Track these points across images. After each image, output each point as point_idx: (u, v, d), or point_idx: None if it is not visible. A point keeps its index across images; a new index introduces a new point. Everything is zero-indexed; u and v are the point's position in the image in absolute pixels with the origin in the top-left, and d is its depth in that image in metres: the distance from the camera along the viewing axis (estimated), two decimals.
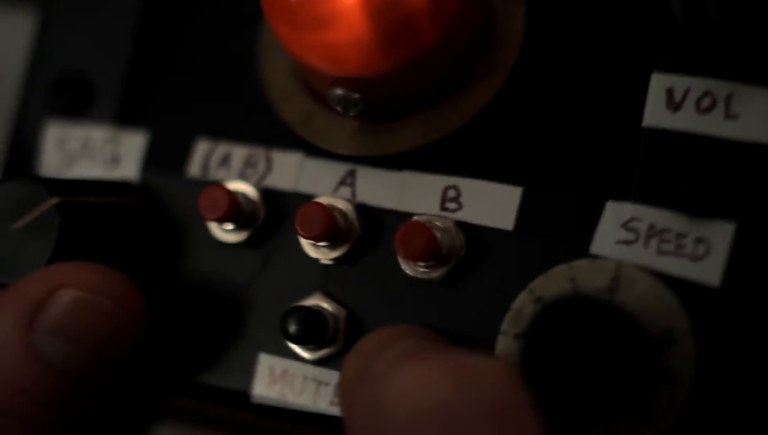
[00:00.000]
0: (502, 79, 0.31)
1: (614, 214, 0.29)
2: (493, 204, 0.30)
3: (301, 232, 0.30)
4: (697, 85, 0.29)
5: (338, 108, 0.30)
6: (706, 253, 0.28)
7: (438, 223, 0.30)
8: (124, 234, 0.32)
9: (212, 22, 0.35)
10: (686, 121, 0.29)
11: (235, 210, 0.31)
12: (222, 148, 0.33)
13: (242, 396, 0.31)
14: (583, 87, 0.30)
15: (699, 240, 0.28)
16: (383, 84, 0.30)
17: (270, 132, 0.33)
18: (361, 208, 0.31)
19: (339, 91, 0.30)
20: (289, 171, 0.32)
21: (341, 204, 0.31)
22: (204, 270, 0.32)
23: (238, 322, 0.32)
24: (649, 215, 0.29)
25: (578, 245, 0.29)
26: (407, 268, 0.30)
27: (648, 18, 0.30)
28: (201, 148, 0.33)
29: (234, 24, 0.34)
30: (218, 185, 0.31)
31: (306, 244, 0.31)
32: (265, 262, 0.32)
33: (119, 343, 0.30)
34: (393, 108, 0.31)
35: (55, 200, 0.30)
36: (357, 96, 0.30)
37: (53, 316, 0.29)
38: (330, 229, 0.30)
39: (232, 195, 0.31)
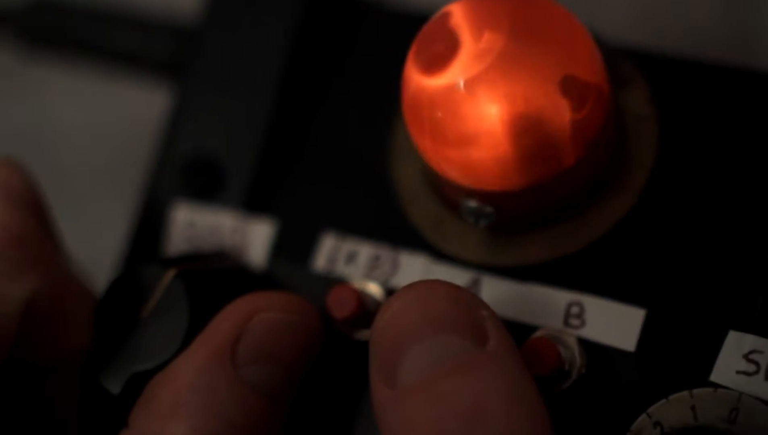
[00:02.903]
0: (633, 200, 0.33)
1: (736, 344, 0.31)
2: (616, 324, 0.32)
3: None
4: None
5: (469, 219, 0.32)
6: None
7: (562, 339, 0.32)
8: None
9: (346, 114, 0.37)
10: None
11: (362, 311, 0.33)
12: (348, 245, 0.35)
13: None
14: (712, 212, 0.32)
15: None
16: (517, 200, 0.32)
17: (396, 231, 0.35)
18: None
19: (472, 204, 0.32)
20: (415, 274, 0.34)
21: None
22: (329, 365, 0.34)
23: (358, 420, 0.34)
24: None
25: (698, 371, 0.31)
26: None
27: None
28: (328, 243, 0.36)
29: (368, 119, 0.37)
30: (347, 286, 0.33)
31: None
32: None
33: (310, 354, 0.33)
34: (523, 222, 0.33)
35: (172, 273, 0.33)
36: (490, 209, 0.32)
37: (254, 343, 0.31)
38: None
39: (360, 295, 0.33)
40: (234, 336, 0.31)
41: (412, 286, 0.30)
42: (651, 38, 0.48)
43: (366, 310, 0.34)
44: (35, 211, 0.34)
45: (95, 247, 0.47)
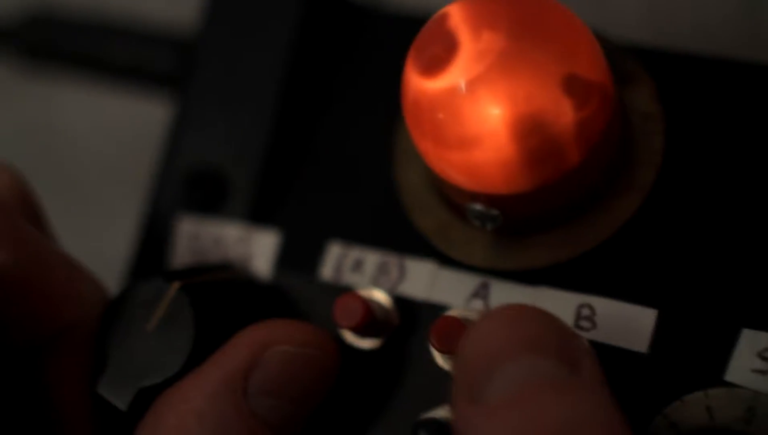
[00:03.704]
0: (640, 199, 0.32)
1: (750, 343, 0.30)
2: (628, 325, 0.32)
3: (437, 346, 0.32)
4: None
5: (476, 222, 0.32)
6: None
7: None
8: (253, 308, 0.34)
9: (349, 121, 0.37)
10: None
11: (370, 319, 0.33)
12: (355, 254, 0.35)
13: None
14: (722, 210, 0.32)
15: None
16: (523, 202, 0.31)
17: (402, 237, 0.35)
18: None
19: (478, 207, 0.32)
20: (422, 280, 0.34)
21: (475, 317, 0.33)
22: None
23: (366, 430, 0.33)
24: None
25: (712, 371, 0.31)
26: None
27: None
28: (334, 251, 0.35)
29: (370, 124, 0.36)
30: (354, 294, 0.33)
31: (438, 356, 0.33)
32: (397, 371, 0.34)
33: (323, 388, 0.32)
34: (530, 224, 0.32)
35: (177, 286, 0.32)
36: (496, 212, 0.32)
37: (268, 375, 0.31)
38: None
39: (368, 304, 0.33)
40: (247, 365, 0.31)
41: (504, 307, 0.29)
42: (659, 36, 0.47)
43: (374, 318, 0.33)
44: (16, 197, 0.34)
45: (108, 246, 0.47)
